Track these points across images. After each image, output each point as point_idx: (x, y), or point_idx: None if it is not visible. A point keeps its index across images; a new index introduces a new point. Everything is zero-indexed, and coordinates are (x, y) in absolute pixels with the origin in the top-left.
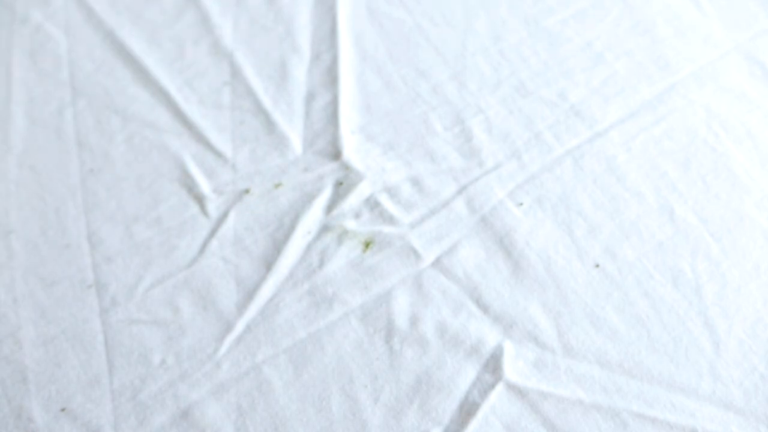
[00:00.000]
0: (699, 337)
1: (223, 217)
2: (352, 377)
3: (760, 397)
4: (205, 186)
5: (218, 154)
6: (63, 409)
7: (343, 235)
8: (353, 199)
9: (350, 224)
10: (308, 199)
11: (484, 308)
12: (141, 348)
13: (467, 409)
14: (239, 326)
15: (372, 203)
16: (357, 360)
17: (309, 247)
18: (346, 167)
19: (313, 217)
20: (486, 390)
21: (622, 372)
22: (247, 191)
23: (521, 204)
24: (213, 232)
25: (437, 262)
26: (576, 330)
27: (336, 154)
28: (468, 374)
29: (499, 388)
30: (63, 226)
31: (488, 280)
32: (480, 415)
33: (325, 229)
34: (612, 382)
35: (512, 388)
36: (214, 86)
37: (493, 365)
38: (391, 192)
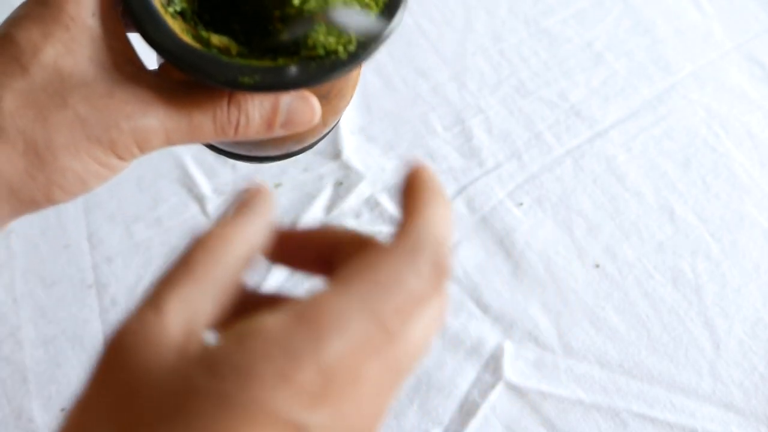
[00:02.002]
0: (699, 337)
1: None
2: None
3: (760, 397)
4: (205, 186)
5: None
6: (63, 409)
7: None
8: (353, 199)
9: (350, 224)
10: (308, 199)
11: (484, 308)
12: None
13: (467, 409)
14: None
15: (372, 203)
16: None
17: None
18: (346, 167)
19: (313, 217)
20: (486, 390)
21: (622, 372)
22: None
23: (521, 204)
24: None
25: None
26: (576, 330)
27: (336, 154)
28: (468, 374)
29: (499, 388)
30: (63, 226)
31: (488, 280)
32: (480, 415)
33: None
34: (612, 382)
35: (512, 388)
36: None
37: (493, 365)
38: (391, 192)
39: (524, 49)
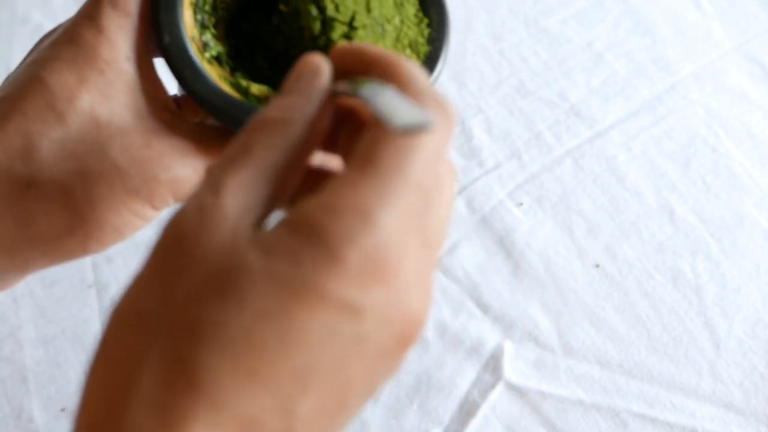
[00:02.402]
0: (699, 337)
1: None
2: None
3: (760, 397)
4: None
5: None
6: (63, 409)
7: None
8: None
9: None
10: None
11: (484, 308)
12: None
13: (467, 409)
14: None
15: None
16: None
17: None
18: None
19: None
20: (486, 390)
21: (622, 372)
22: None
23: (521, 204)
24: None
25: (437, 262)
26: (576, 330)
27: None
28: (468, 374)
29: (499, 388)
30: None
31: (488, 280)
32: (480, 415)
33: None
34: (612, 382)
35: (512, 388)
36: None
37: (493, 365)
38: None
39: (524, 49)
